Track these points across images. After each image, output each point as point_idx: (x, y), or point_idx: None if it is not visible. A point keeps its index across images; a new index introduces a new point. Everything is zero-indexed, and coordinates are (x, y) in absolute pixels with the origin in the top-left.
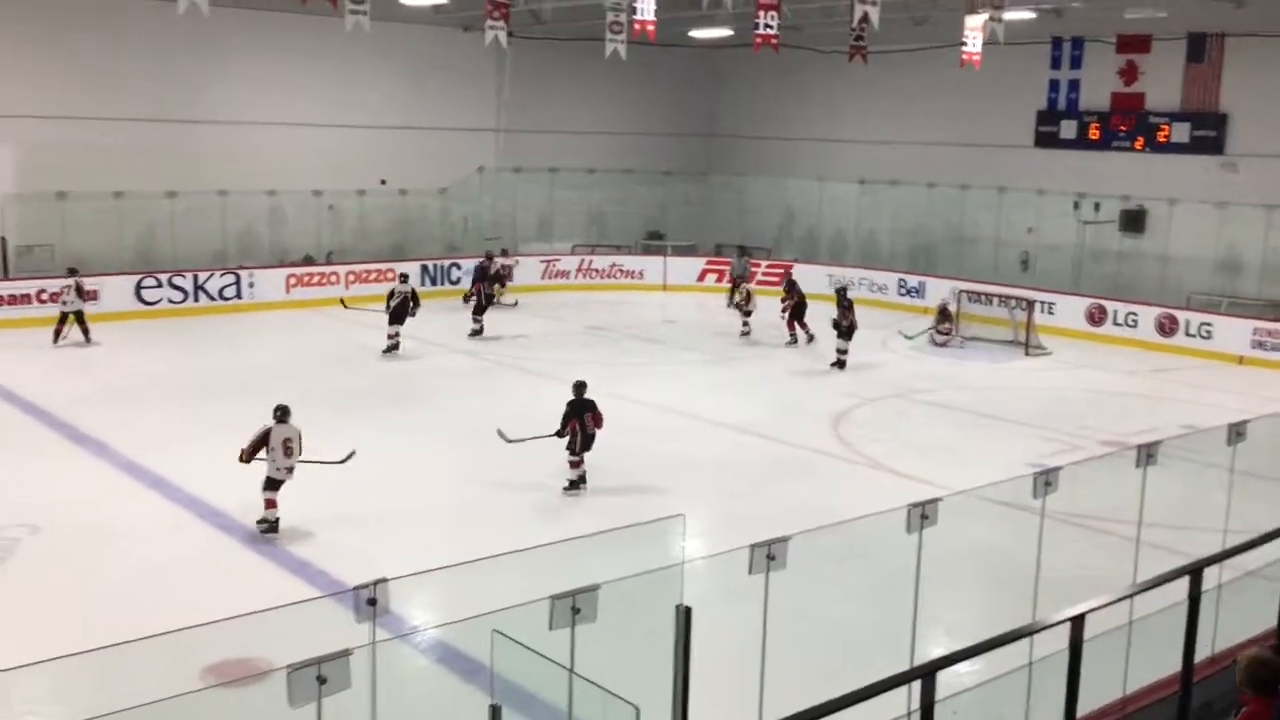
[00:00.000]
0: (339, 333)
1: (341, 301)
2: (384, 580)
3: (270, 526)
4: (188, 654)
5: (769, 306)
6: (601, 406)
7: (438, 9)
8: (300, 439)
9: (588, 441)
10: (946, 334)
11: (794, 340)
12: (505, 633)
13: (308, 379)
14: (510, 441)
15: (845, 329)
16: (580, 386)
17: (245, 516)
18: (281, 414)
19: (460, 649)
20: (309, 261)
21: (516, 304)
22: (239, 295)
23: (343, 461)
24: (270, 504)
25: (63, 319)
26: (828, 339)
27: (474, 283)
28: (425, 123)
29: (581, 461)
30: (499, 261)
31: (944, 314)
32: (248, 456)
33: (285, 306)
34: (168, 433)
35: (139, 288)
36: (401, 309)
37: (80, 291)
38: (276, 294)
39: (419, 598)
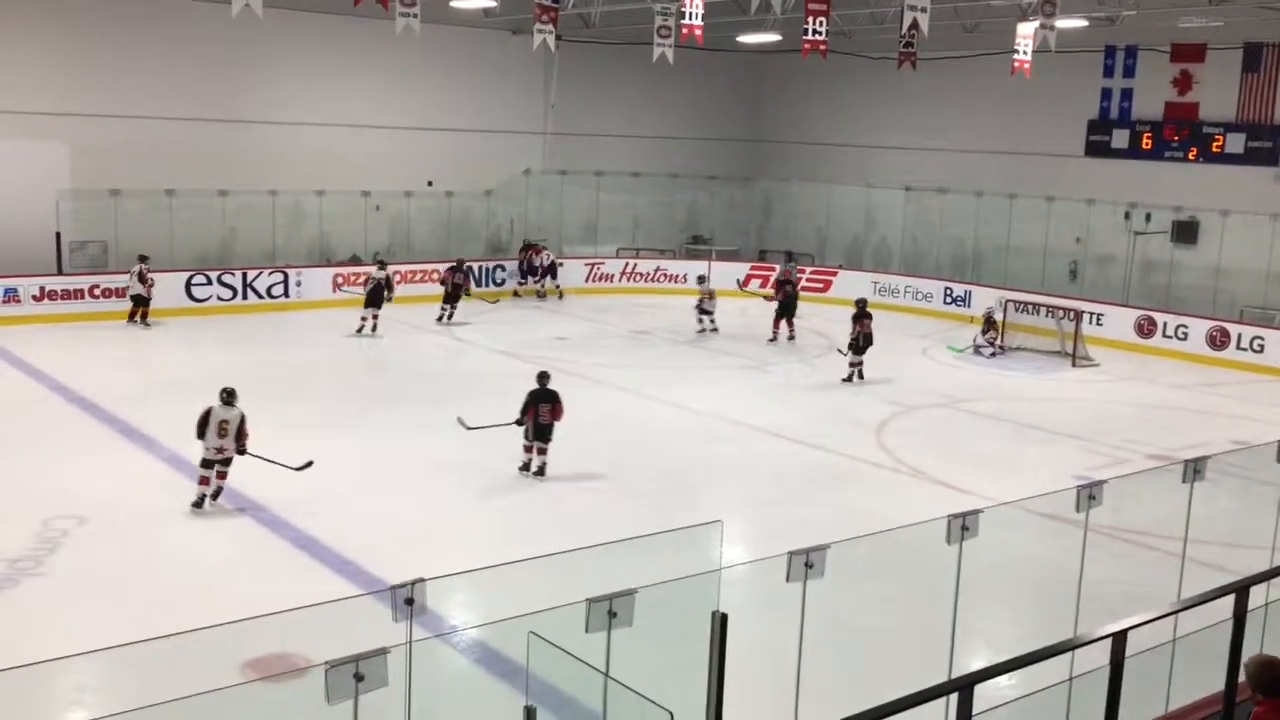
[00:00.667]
0: (387, 333)
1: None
2: (421, 580)
3: (197, 502)
4: (229, 648)
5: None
6: (641, 409)
7: (487, 12)
8: (240, 423)
9: (541, 431)
10: (992, 343)
11: (774, 339)
12: (542, 635)
13: (350, 376)
14: (470, 429)
15: (855, 344)
16: (543, 377)
17: (289, 513)
18: (226, 396)
19: (498, 650)
20: (355, 261)
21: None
22: (286, 294)
23: (298, 469)
24: (202, 480)
25: (135, 302)
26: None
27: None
28: (473, 125)
29: (533, 449)
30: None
31: (989, 323)
32: (197, 434)
33: (331, 305)
34: None
35: (189, 285)
36: (376, 293)
37: (141, 278)
38: (323, 293)
39: (458, 598)
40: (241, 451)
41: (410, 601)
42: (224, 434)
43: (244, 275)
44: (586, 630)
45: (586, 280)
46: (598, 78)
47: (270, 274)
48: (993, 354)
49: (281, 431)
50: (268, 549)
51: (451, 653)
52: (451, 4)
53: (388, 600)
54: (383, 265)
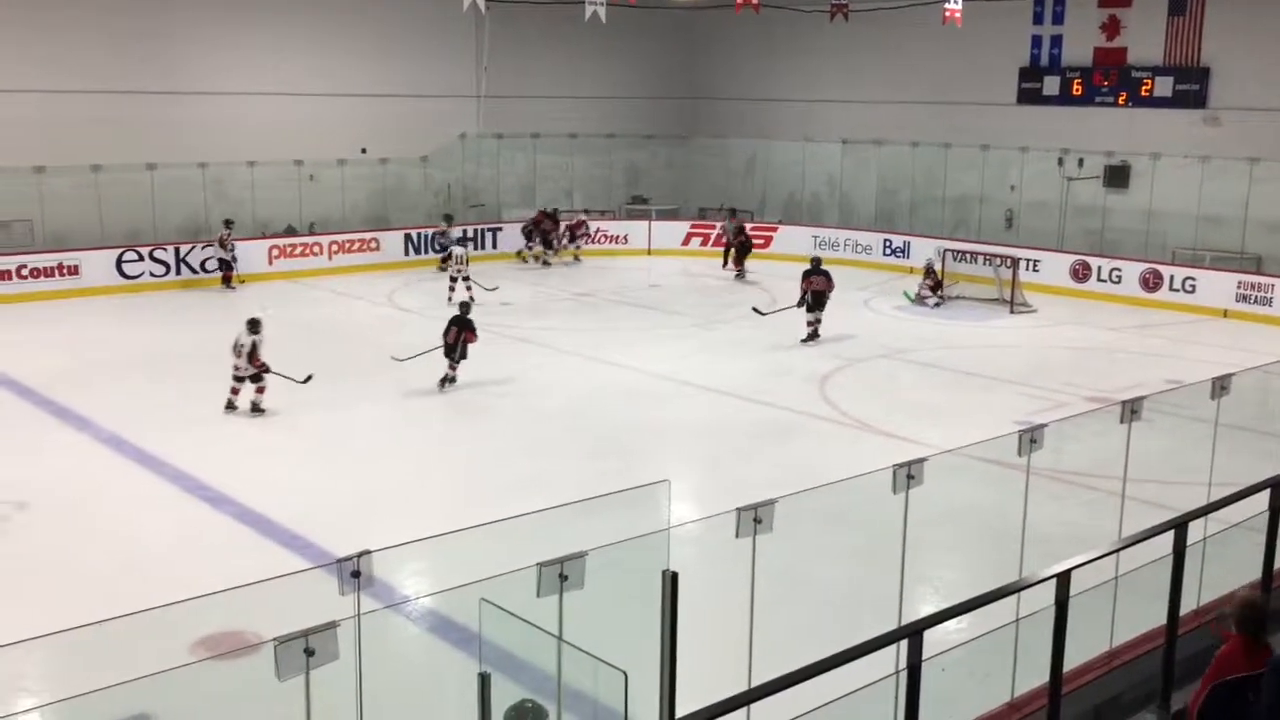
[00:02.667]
0: (325, 303)
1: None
2: (367, 552)
3: (227, 405)
4: (177, 629)
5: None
6: (587, 371)
7: None
8: (253, 348)
9: (464, 351)
10: (934, 291)
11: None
12: (494, 601)
13: (294, 350)
14: (402, 360)
15: (809, 300)
16: (464, 306)
17: (233, 490)
18: (251, 325)
19: (449, 617)
20: (291, 233)
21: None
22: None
23: (302, 381)
24: (232, 390)
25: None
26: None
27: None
28: (405, 90)
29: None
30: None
31: (930, 273)
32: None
33: (269, 278)
34: (152, 407)
35: (120, 262)
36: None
37: (222, 244)
38: (259, 266)
39: (409, 568)
40: (259, 369)
41: (357, 574)
42: (239, 354)
43: (177, 250)
44: (538, 594)
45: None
46: (530, 39)
47: (204, 248)
48: (936, 304)
49: (222, 408)
50: (213, 527)
51: (403, 622)
52: None
53: (334, 573)
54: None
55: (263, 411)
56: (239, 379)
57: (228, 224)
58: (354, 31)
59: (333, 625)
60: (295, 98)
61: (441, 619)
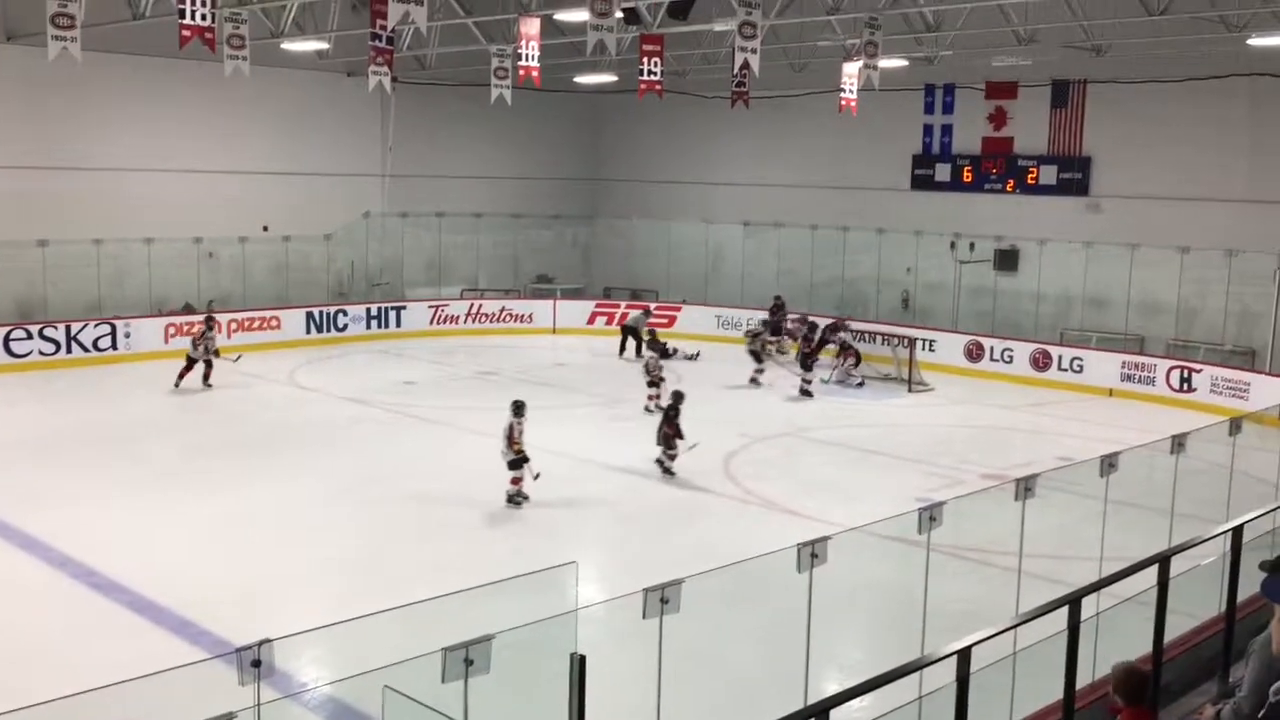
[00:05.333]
0: (223, 384)
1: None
2: (268, 640)
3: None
4: None
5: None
6: (491, 450)
7: (320, 55)
8: (509, 428)
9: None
10: (850, 372)
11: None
12: (397, 688)
13: (189, 431)
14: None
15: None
16: (678, 396)
17: (122, 576)
18: (515, 408)
19: (352, 706)
20: (189, 310)
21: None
22: (114, 346)
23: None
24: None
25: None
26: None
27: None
28: (309, 168)
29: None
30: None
31: (846, 349)
32: None
33: (164, 357)
34: (38, 491)
35: (8, 339)
36: None
37: (199, 338)
38: (155, 344)
39: (309, 655)
40: (518, 455)
41: (257, 663)
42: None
43: (67, 328)
44: (443, 680)
45: (431, 322)
46: (436, 119)
47: (96, 325)
48: (859, 384)
49: (112, 492)
50: (101, 614)
51: (304, 712)
52: (283, 46)
53: (233, 663)
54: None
55: (520, 502)
56: (513, 465)
57: (209, 318)
58: (257, 110)
59: (230, 717)
60: (195, 174)
61: (343, 707)
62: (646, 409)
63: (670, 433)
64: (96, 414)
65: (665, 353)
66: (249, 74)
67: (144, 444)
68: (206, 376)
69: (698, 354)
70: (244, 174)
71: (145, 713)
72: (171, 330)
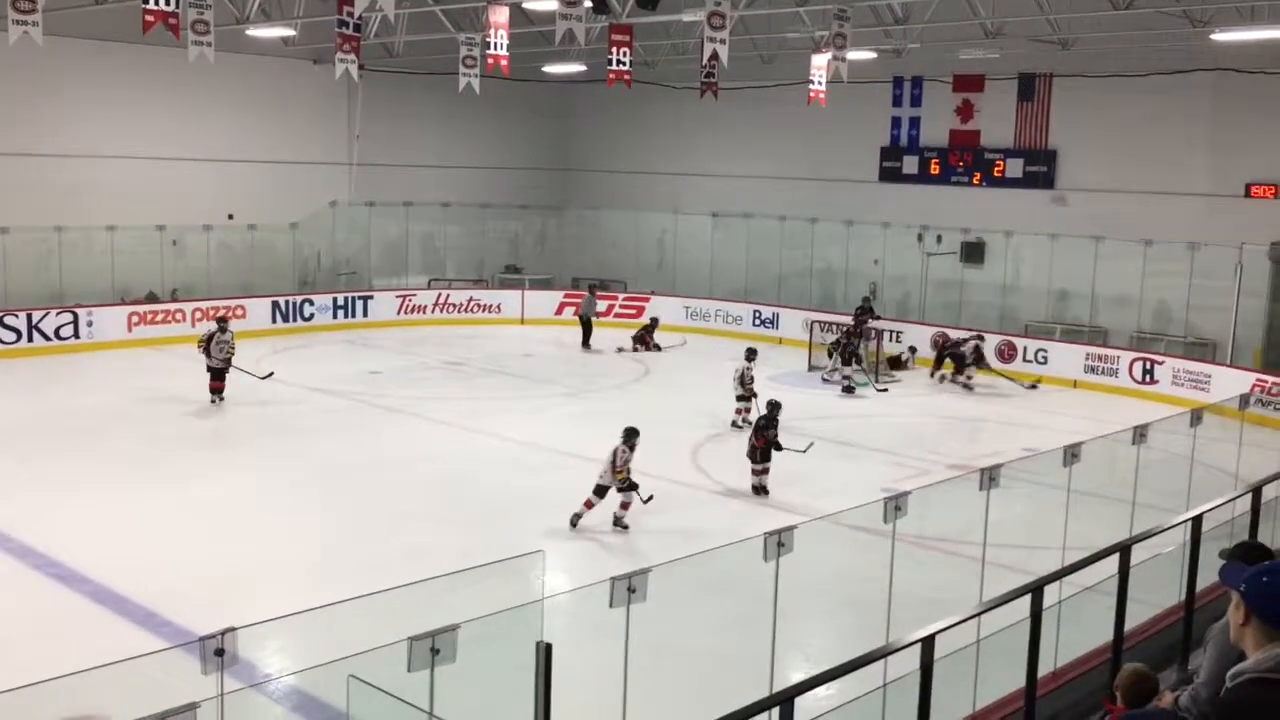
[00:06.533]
0: (187, 372)
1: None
2: (231, 629)
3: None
4: (27, 715)
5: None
6: (459, 441)
7: (287, 41)
8: (614, 455)
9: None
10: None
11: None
12: (362, 678)
13: (153, 421)
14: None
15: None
16: (774, 406)
17: (85, 566)
18: (626, 435)
19: (317, 696)
20: (153, 299)
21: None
22: (77, 335)
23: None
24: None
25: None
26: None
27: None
28: (275, 156)
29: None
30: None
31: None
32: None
33: (127, 346)
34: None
35: None
36: None
37: (210, 346)
38: (118, 333)
39: (273, 645)
40: (624, 482)
41: (220, 652)
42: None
43: (28, 316)
44: (409, 669)
45: (398, 312)
46: (404, 108)
47: (58, 314)
48: (844, 382)
49: (75, 482)
50: (64, 606)
51: (268, 703)
52: (248, 32)
53: (197, 652)
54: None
55: (625, 528)
56: (624, 489)
57: (222, 323)
58: (223, 96)
59: (193, 706)
60: (159, 161)
61: (307, 698)
62: (735, 424)
63: (759, 446)
64: (58, 403)
65: (642, 340)
66: (214, 61)
67: (107, 434)
68: (220, 389)
69: (684, 342)
70: (209, 161)
71: (108, 704)
72: (135, 319)
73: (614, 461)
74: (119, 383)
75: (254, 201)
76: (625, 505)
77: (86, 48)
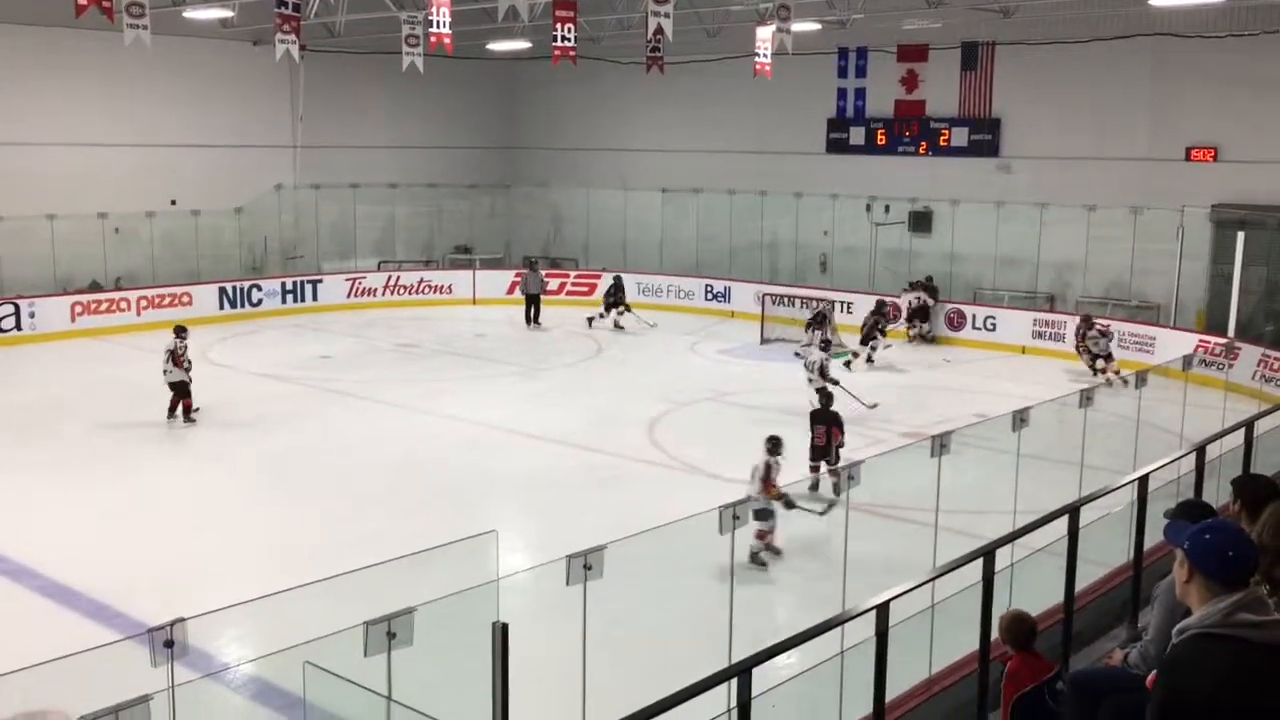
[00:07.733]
0: (132, 361)
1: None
2: (181, 620)
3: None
4: None
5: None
6: (412, 423)
7: (225, 23)
8: (766, 469)
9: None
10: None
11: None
12: (318, 664)
13: (99, 412)
14: None
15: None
16: (827, 397)
17: (35, 561)
18: (771, 445)
19: (273, 683)
20: (96, 288)
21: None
22: (19, 326)
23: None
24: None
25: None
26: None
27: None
28: (217, 140)
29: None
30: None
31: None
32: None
33: (70, 336)
34: None
35: None
36: None
37: (175, 359)
38: (61, 324)
39: (231, 634)
40: (778, 498)
41: (170, 643)
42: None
43: None
44: (365, 654)
45: (348, 296)
46: (348, 88)
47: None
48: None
49: (21, 476)
50: (12, 600)
51: (224, 692)
52: (185, 14)
53: (147, 643)
54: None
55: (767, 561)
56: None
57: (181, 332)
58: (161, 80)
59: (145, 699)
60: (98, 148)
61: (264, 685)
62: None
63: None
64: (2, 397)
65: (606, 311)
66: (150, 44)
67: (53, 425)
68: (187, 408)
69: (654, 324)
70: (149, 147)
71: (61, 699)
72: (78, 309)
73: (766, 477)
74: (64, 374)
75: (197, 187)
76: (761, 535)
77: (18, 32)
